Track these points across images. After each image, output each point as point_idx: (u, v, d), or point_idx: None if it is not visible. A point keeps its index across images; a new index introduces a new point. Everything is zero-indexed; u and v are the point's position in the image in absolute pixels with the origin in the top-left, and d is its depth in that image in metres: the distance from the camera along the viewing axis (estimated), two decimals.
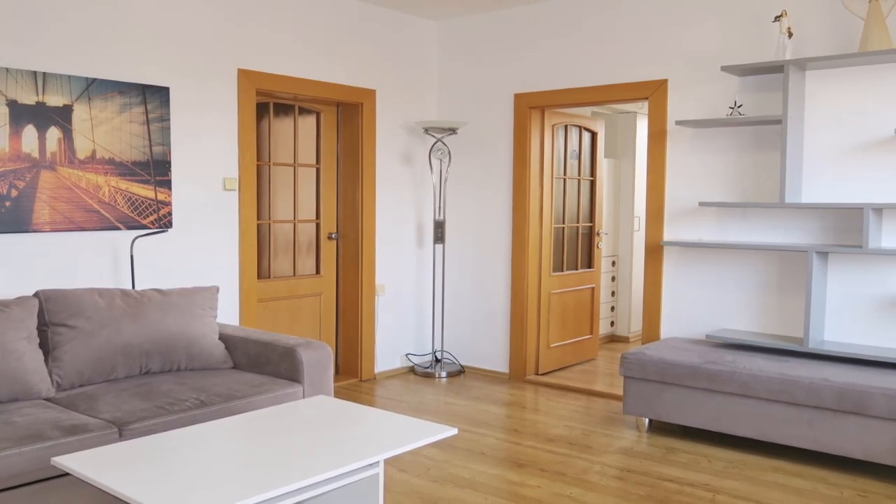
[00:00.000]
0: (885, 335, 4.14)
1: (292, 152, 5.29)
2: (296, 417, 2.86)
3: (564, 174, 5.99)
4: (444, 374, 5.69)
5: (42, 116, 3.77)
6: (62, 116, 3.85)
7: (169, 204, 4.30)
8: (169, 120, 4.27)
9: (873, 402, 3.55)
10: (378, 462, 2.68)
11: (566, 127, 5.97)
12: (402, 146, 5.74)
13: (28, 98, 3.72)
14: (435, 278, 6.02)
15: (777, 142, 4.44)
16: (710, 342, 4.56)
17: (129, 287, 4.15)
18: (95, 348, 3.46)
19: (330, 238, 5.57)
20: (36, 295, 3.49)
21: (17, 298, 3.38)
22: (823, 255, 4.22)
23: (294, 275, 5.35)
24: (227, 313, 4.66)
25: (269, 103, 5.12)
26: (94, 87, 3.95)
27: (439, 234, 5.79)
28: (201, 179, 4.48)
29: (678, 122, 4.56)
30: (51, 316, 3.46)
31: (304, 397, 3.59)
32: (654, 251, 4.90)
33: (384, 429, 2.73)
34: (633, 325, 7.32)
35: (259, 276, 5.11)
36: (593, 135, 6.33)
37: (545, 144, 5.66)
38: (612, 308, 7.27)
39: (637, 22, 4.95)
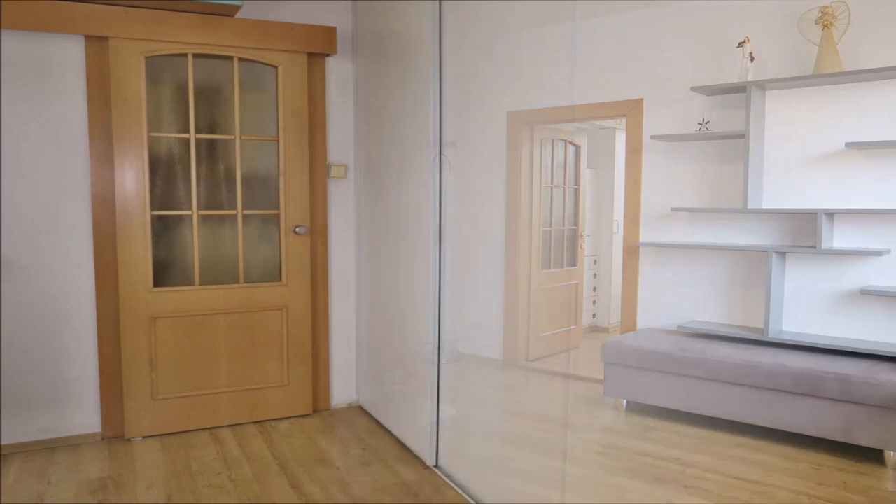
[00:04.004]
0: (836, 326, 4.14)
1: None
2: None
3: (551, 183, 5.98)
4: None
5: None
6: None
7: None
8: None
9: (826, 385, 3.55)
10: None
11: (553, 141, 5.97)
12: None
13: None
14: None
15: (740, 154, 4.44)
16: (682, 332, 4.56)
17: None
18: None
19: None
20: None
21: None
22: (782, 254, 4.22)
23: None
24: None
25: None
26: None
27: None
28: None
29: (652, 137, 4.56)
30: None
31: None
32: (632, 251, 4.90)
33: None
34: (613, 316, 7.31)
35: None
36: (577, 148, 6.32)
37: (534, 156, 5.66)
38: (594, 301, 7.26)
39: (616, 48, 4.95)
